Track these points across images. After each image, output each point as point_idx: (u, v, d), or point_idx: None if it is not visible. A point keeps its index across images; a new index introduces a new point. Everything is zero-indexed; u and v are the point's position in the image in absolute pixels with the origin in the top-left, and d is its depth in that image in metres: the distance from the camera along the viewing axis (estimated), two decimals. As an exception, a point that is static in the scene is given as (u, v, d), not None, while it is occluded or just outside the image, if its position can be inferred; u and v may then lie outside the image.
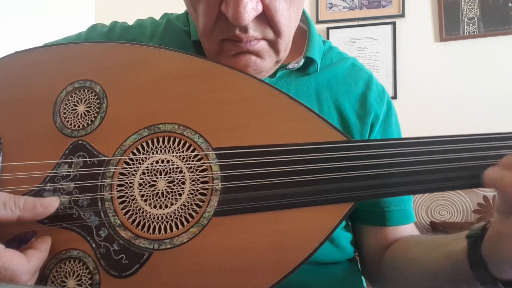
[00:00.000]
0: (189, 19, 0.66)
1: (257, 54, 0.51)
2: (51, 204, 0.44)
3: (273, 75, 0.61)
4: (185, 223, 0.44)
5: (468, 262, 0.45)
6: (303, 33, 0.67)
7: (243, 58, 0.51)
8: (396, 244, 0.63)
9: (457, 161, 0.42)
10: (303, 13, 0.67)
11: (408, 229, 0.65)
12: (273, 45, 0.51)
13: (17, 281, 0.38)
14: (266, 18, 0.48)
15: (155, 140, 0.47)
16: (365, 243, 0.66)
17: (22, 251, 0.40)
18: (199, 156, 0.46)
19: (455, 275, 0.49)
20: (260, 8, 0.46)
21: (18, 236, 0.42)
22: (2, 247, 0.38)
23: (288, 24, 0.50)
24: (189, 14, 0.55)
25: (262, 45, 0.50)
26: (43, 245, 0.43)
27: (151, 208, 0.45)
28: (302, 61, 0.62)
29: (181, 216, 0.44)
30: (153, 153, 0.46)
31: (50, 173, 0.47)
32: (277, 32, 0.50)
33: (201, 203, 0.44)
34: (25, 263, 0.39)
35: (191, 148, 0.46)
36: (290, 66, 0.62)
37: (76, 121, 0.49)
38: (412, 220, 0.65)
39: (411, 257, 0.57)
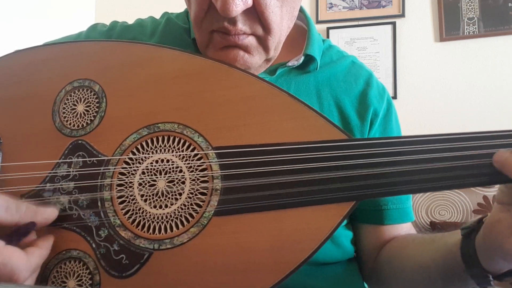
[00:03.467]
0: (189, 17, 0.66)
1: (246, 49, 0.51)
2: (50, 215, 0.44)
3: (273, 72, 0.61)
4: (185, 223, 0.44)
5: (460, 254, 0.45)
6: (302, 32, 0.67)
7: (231, 51, 0.51)
8: (392, 242, 0.63)
9: (459, 160, 0.42)
10: (303, 12, 0.67)
11: (405, 228, 0.65)
12: (263, 42, 0.51)
13: (16, 278, 0.37)
14: (256, 13, 0.48)
15: (154, 139, 0.47)
16: (362, 241, 0.66)
17: (23, 248, 0.40)
18: (199, 156, 0.45)
19: (447, 269, 0.49)
20: (249, 2, 0.46)
21: (18, 229, 0.41)
22: (2, 244, 0.38)
23: (279, 23, 0.50)
24: (185, 4, 0.55)
25: (251, 41, 0.50)
26: (44, 243, 0.43)
27: (151, 208, 0.45)
28: (302, 58, 0.62)
29: (181, 216, 0.44)
30: (152, 153, 0.46)
31: (49, 173, 0.47)
32: (266, 29, 0.49)
33: (201, 203, 0.44)
34: (25, 261, 0.39)
35: (191, 147, 0.46)
36: (290, 64, 0.62)
37: (75, 120, 0.49)
38: (410, 219, 0.65)
39: (407, 254, 0.57)
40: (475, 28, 1.98)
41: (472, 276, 0.45)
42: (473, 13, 1.99)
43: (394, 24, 2.07)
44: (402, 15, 2.07)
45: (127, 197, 0.45)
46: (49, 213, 0.44)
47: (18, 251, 0.39)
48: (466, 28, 1.99)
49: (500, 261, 0.42)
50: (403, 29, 2.07)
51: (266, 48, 0.52)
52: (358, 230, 0.66)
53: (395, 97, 2.03)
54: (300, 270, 0.42)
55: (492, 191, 1.64)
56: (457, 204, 1.67)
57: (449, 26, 2.01)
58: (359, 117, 0.63)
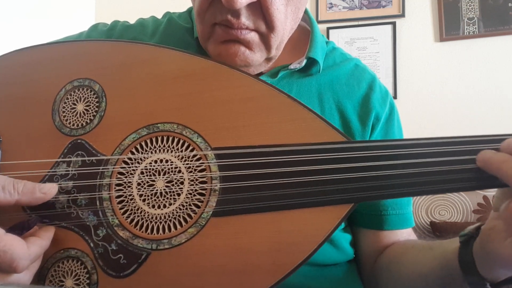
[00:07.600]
0: (192, 17, 0.65)
1: (247, 45, 0.50)
2: (50, 190, 0.44)
3: (274, 75, 0.61)
4: (183, 223, 0.44)
5: (458, 261, 0.45)
6: (306, 34, 0.66)
7: (232, 46, 0.50)
8: (391, 247, 0.62)
9: (458, 163, 0.42)
10: (307, 13, 0.67)
11: (405, 234, 0.64)
12: (265, 39, 0.51)
13: (15, 266, 0.37)
14: (261, 8, 0.48)
15: (153, 139, 0.47)
16: (361, 246, 0.65)
17: (24, 238, 0.40)
18: (198, 156, 0.45)
19: (445, 277, 0.48)
20: None
21: (20, 222, 0.41)
22: (2, 232, 0.38)
23: (283, 21, 0.50)
24: None
25: (253, 37, 0.50)
26: (45, 234, 0.43)
27: (150, 208, 0.45)
28: (304, 61, 0.61)
29: (179, 216, 0.44)
30: (151, 153, 0.46)
31: (48, 172, 0.47)
32: (270, 26, 0.49)
33: (199, 204, 0.44)
34: (25, 249, 0.39)
35: (190, 147, 0.46)
36: (292, 67, 0.61)
37: (75, 119, 0.49)
38: (409, 225, 0.65)
39: (405, 260, 0.57)
40: (475, 28, 1.98)
41: (469, 284, 0.44)
42: (473, 13, 1.99)
43: (394, 24, 2.07)
44: (402, 15, 2.07)
45: (125, 197, 0.45)
46: (48, 188, 0.43)
47: (18, 239, 0.39)
48: (466, 28, 1.99)
49: (498, 268, 0.42)
50: (403, 29, 2.07)
51: (268, 46, 0.51)
52: (357, 234, 0.66)
53: (395, 97, 2.03)
54: (299, 271, 0.41)
55: (492, 191, 1.63)
56: (457, 204, 1.67)
57: (449, 26, 2.01)
58: (361, 122, 0.62)
